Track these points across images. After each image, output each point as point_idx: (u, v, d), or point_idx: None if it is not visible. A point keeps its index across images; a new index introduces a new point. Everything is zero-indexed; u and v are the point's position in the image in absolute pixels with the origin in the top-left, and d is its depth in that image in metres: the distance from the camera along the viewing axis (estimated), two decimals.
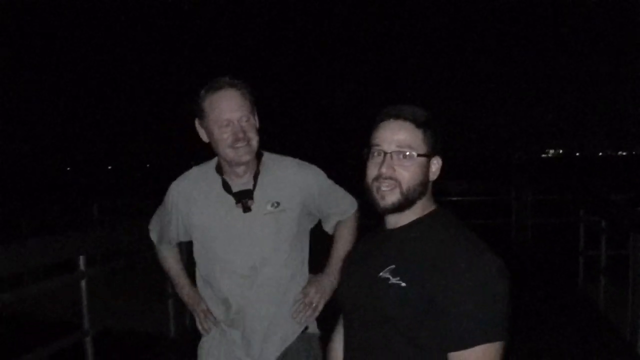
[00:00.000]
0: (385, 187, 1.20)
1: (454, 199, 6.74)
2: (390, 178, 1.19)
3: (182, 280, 1.94)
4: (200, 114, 1.69)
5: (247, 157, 1.68)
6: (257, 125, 1.72)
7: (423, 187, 1.22)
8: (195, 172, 1.84)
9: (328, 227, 1.92)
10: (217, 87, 1.66)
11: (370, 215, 1.27)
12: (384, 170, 1.19)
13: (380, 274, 1.19)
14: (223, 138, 1.65)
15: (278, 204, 1.73)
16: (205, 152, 1.82)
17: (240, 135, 1.65)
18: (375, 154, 1.22)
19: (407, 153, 1.19)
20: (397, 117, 1.20)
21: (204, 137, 1.74)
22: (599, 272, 4.28)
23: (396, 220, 1.25)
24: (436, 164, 1.24)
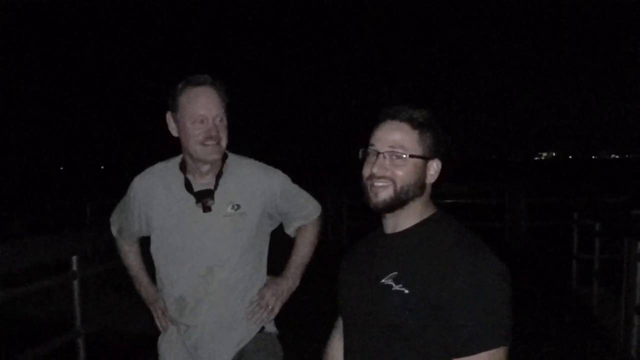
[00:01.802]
0: (378, 184, 1.19)
1: (448, 201, 6.76)
2: (384, 177, 1.18)
3: (140, 277, 1.93)
4: (174, 107, 1.68)
5: (214, 156, 1.68)
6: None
7: (418, 189, 1.20)
8: (158, 167, 1.82)
9: (290, 231, 1.90)
10: (197, 82, 1.66)
11: (367, 217, 1.26)
12: (375, 170, 1.19)
13: (382, 280, 1.17)
14: (195, 134, 1.65)
15: (239, 206, 1.72)
16: None
17: (213, 133, 1.64)
18: (370, 154, 1.22)
19: (399, 153, 1.18)
20: (394, 117, 1.20)
21: (174, 131, 1.72)
22: (592, 275, 4.30)
23: (395, 224, 1.23)
24: (434, 167, 1.22)
